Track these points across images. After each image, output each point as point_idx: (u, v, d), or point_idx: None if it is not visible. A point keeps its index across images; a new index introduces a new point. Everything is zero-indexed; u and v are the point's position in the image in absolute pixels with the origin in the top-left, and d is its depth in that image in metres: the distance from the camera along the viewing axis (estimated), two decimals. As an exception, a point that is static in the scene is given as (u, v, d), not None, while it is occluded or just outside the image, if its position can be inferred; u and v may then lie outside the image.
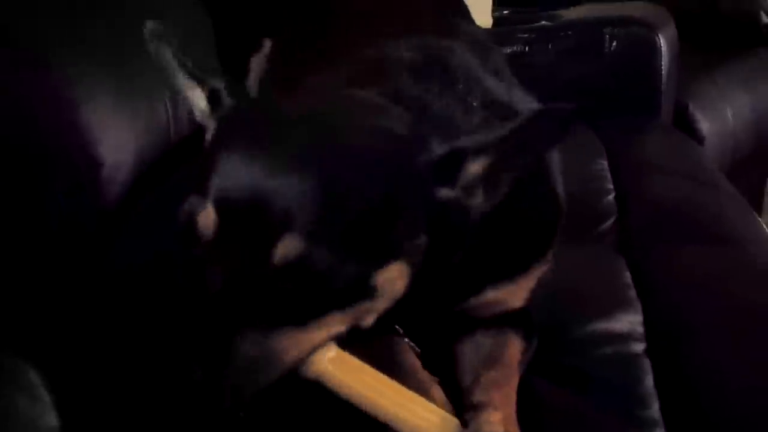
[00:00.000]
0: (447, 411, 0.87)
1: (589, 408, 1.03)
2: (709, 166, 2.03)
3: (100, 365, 1.03)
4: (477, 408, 0.88)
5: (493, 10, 2.45)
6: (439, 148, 0.82)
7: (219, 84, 0.93)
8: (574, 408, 1.02)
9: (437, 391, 0.93)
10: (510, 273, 1.04)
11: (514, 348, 1.02)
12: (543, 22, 2.33)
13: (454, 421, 0.85)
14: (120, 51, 1.54)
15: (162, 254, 1.18)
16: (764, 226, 1.64)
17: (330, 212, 0.75)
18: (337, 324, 0.80)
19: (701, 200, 1.70)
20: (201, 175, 0.80)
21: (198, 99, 0.96)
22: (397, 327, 0.99)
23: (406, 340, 0.99)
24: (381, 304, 0.82)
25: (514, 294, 1.06)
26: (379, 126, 0.84)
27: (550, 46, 2.21)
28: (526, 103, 1.10)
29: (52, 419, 0.73)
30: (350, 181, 0.77)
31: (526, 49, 2.22)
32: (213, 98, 0.94)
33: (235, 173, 0.77)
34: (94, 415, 0.93)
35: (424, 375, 0.95)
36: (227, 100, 0.92)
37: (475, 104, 0.99)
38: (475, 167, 0.82)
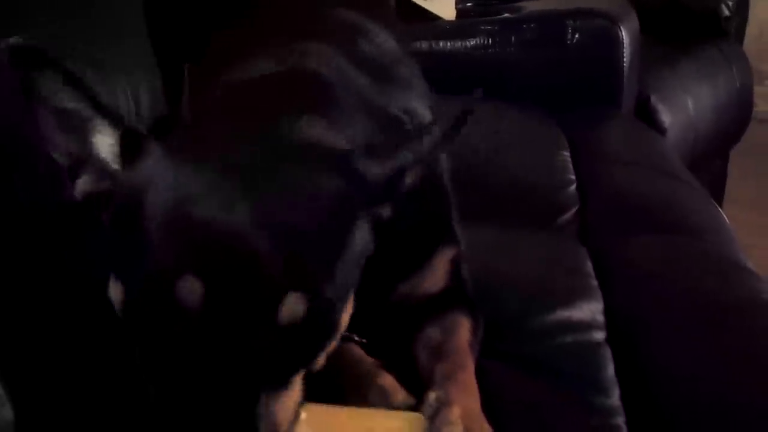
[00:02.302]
0: (401, 394, 0.88)
1: (549, 396, 1.04)
2: (671, 156, 2.05)
3: (55, 360, 1.02)
4: (434, 404, 0.87)
5: (457, 3, 2.46)
6: (377, 176, 0.79)
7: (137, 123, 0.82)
8: (535, 397, 1.02)
9: (386, 377, 0.92)
10: (415, 263, 1.04)
11: (463, 329, 1.02)
12: (506, 15, 2.33)
13: (418, 418, 0.85)
14: (79, 40, 1.52)
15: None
16: (724, 217, 1.66)
17: (323, 262, 0.72)
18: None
19: (662, 191, 1.72)
20: (156, 236, 0.71)
21: (106, 144, 0.79)
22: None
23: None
24: (335, 341, 0.79)
25: (429, 281, 1.06)
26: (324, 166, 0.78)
27: (513, 39, 2.21)
28: (423, 106, 1.12)
29: (6, 413, 0.73)
30: (322, 228, 0.74)
31: (489, 41, 2.22)
32: (130, 143, 0.78)
33: (210, 229, 0.70)
34: (48, 409, 0.93)
35: (368, 362, 0.95)
36: (151, 145, 0.78)
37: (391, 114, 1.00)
38: (408, 180, 0.82)
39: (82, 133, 0.78)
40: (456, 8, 2.45)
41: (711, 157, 2.92)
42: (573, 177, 1.76)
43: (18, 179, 1.34)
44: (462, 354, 0.99)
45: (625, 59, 2.17)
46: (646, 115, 2.45)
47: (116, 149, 0.78)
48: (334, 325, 0.76)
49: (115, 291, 0.75)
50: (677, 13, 3.04)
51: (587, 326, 1.19)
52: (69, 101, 0.77)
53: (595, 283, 1.30)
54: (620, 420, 1.03)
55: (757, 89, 3.15)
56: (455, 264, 1.08)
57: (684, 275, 1.31)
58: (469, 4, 2.50)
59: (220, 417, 0.68)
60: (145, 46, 1.76)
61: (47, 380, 0.98)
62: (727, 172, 3.19)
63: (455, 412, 0.85)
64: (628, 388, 1.08)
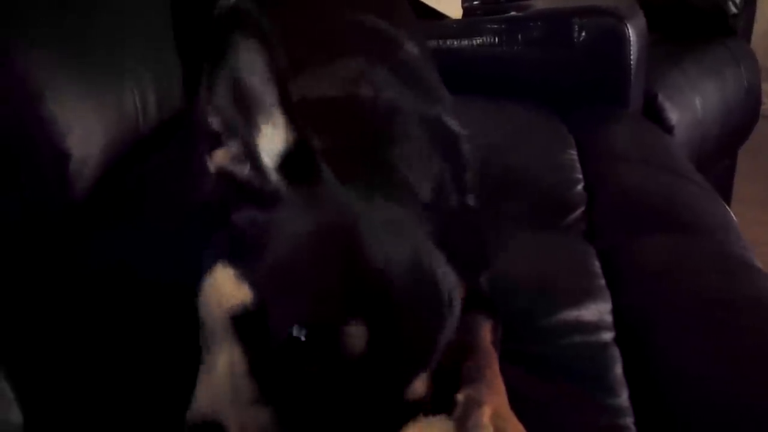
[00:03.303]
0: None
1: (557, 396, 1.04)
2: (678, 155, 2.05)
3: (65, 363, 1.02)
4: (464, 405, 0.87)
5: (463, 1, 2.45)
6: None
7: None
8: (543, 397, 1.02)
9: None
10: None
11: (485, 329, 1.02)
12: (512, 13, 2.33)
13: (446, 423, 0.84)
14: (86, 41, 1.52)
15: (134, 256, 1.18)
16: (732, 215, 1.65)
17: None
18: None
19: (670, 190, 1.71)
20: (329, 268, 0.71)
21: (274, 143, 0.76)
22: None
23: None
24: None
25: None
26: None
27: (519, 37, 2.21)
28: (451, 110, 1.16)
29: (15, 416, 0.73)
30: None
31: (496, 39, 2.22)
32: (299, 155, 0.75)
33: (377, 277, 0.70)
34: (57, 412, 0.93)
35: None
36: (325, 171, 0.76)
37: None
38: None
39: (251, 116, 0.76)
40: (462, 7, 2.45)
41: (719, 156, 2.91)
42: (580, 176, 1.76)
43: (25, 179, 1.34)
44: (487, 354, 0.99)
45: (632, 57, 2.17)
46: (654, 114, 2.44)
47: (280, 150, 0.76)
48: None
49: (235, 290, 0.73)
50: (684, 11, 3.03)
51: (595, 326, 1.18)
52: (258, 79, 0.73)
53: (602, 282, 1.29)
54: (629, 420, 1.03)
55: (765, 87, 3.15)
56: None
57: (692, 275, 1.30)
58: (475, 2, 2.50)
59: None
60: (152, 47, 1.77)
61: (56, 383, 0.98)
62: (735, 170, 3.18)
63: (486, 413, 0.86)
64: (637, 388, 1.08)
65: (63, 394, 0.96)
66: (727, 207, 1.73)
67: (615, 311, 1.22)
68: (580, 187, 1.71)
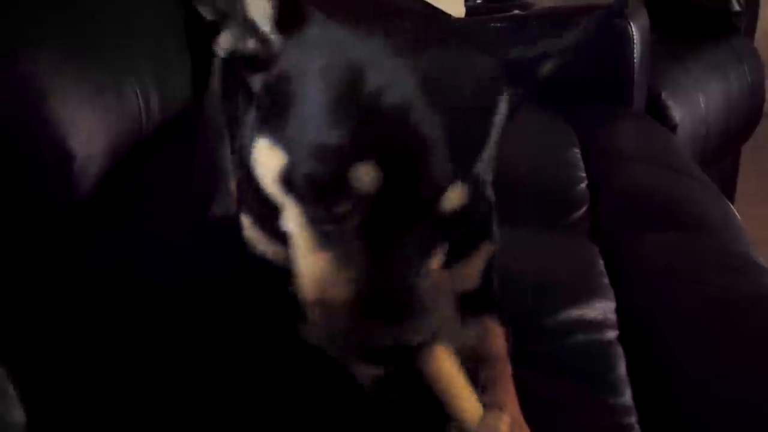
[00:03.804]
0: None
1: (561, 395, 1.03)
2: (682, 153, 2.04)
3: (67, 362, 1.02)
4: (486, 409, 0.88)
5: (465, 0, 2.45)
6: (521, 57, 0.84)
7: None
8: (547, 395, 1.02)
9: None
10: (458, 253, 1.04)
11: (498, 336, 1.02)
12: (515, 11, 2.33)
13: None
14: (89, 42, 1.52)
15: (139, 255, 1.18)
16: (736, 213, 1.65)
17: (479, 141, 0.76)
18: None
19: (673, 188, 1.71)
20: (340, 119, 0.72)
21: (260, 5, 0.79)
22: None
23: None
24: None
25: (467, 273, 1.05)
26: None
27: (522, 36, 2.21)
28: None
29: (18, 415, 0.73)
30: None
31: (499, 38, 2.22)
32: (287, 8, 0.78)
33: (385, 112, 0.71)
34: (61, 411, 0.93)
35: None
36: (313, 12, 0.78)
37: None
38: (545, 69, 0.87)
39: None
40: (465, 6, 2.45)
41: (722, 154, 2.91)
42: (584, 174, 1.76)
43: (29, 179, 1.35)
44: (501, 361, 0.99)
45: (635, 55, 2.17)
46: (657, 112, 2.44)
47: (269, 12, 0.78)
48: (487, 201, 0.80)
49: (269, 157, 0.76)
50: (688, 9, 3.03)
51: (599, 325, 1.18)
52: None
53: (606, 281, 1.29)
54: (633, 419, 1.03)
55: (769, 85, 3.14)
56: (489, 263, 1.07)
57: (695, 273, 1.30)
58: (478, 2, 2.50)
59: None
60: (155, 48, 1.77)
61: (60, 382, 0.98)
62: (739, 168, 3.18)
63: (506, 421, 0.86)
64: (641, 386, 1.07)
65: (67, 393, 0.96)
66: (730, 205, 1.73)
67: (619, 309, 1.22)
68: (583, 185, 1.71)
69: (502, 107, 0.80)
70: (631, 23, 2.16)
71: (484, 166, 0.77)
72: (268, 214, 0.85)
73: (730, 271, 1.32)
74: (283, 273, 0.89)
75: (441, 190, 0.72)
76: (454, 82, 0.75)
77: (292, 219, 0.77)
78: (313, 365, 0.96)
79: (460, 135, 0.74)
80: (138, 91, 1.65)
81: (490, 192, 0.85)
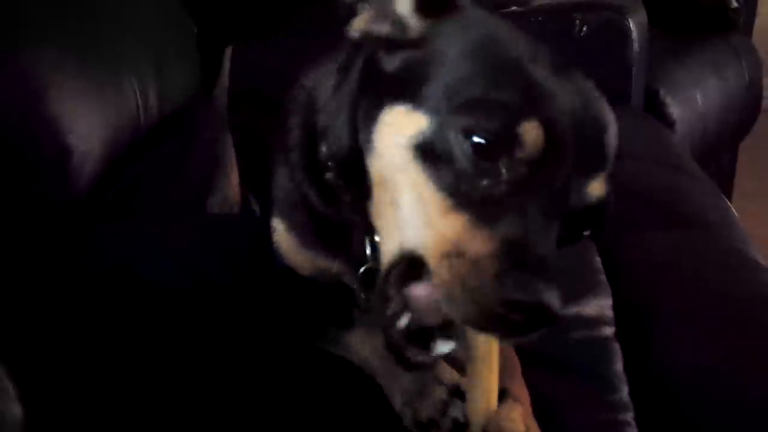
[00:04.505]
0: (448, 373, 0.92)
1: (559, 391, 1.04)
2: (680, 150, 2.05)
3: (64, 357, 1.02)
4: (500, 395, 0.89)
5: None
6: None
7: None
8: (544, 392, 1.02)
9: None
10: None
11: None
12: (513, 7, 2.32)
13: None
14: (88, 38, 1.52)
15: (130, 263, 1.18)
16: (733, 210, 1.65)
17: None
18: None
19: (671, 185, 1.71)
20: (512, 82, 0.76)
21: None
22: None
23: None
24: None
25: None
26: None
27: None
28: None
29: (16, 410, 0.73)
30: None
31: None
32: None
33: (562, 95, 0.76)
34: (57, 406, 0.93)
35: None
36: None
37: None
38: None
39: None
40: (463, 2, 2.44)
41: (720, 150, 2.90)
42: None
43: (28, 175, 1.35)
44: (512, 357, 1.01)
45: (633, 52, 2.16)
46: (655, 109, 2.44)
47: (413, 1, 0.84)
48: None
49: (406, 120, 0.78)
50: (685, 6, 3.02)
51: (596, 321, 1.19)
52: None
53: (604, 278, 1.29)
54: (629, 415, 1.03)
55: (766, 81, 3.13)
56: None
57: (693, 270, 1.30)
58: (476, -2, 2.49)
59: None
60: (154, 44, 1.77)
61: (57, 377, 0.98)
62: (736, 164, 3.18)
63: (519, 410, 0.87)
64: (637, 382, 1.08)
65: (64, 388, 0.97)
66: (727, 202, 1.73)
67: (616, 306, 1.22)
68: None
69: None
70: (630, 20, 2.15)
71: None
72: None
73: (727, 268, 1.32)
74: (311, 284, 0.88)
75: (585, 173, 0.76)
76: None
77: (419, 187, 0.77)
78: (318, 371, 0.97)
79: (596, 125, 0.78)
80: (136, 88, 1.66)
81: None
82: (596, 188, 0.76)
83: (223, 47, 1.60)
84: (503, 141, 0.72)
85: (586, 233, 0.82)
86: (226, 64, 1.56)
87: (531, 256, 0.71)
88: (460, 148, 0.74)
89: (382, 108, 0.81)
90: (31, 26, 1.39)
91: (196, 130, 1.68)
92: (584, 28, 2.17)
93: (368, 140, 0.83)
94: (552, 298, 0.70)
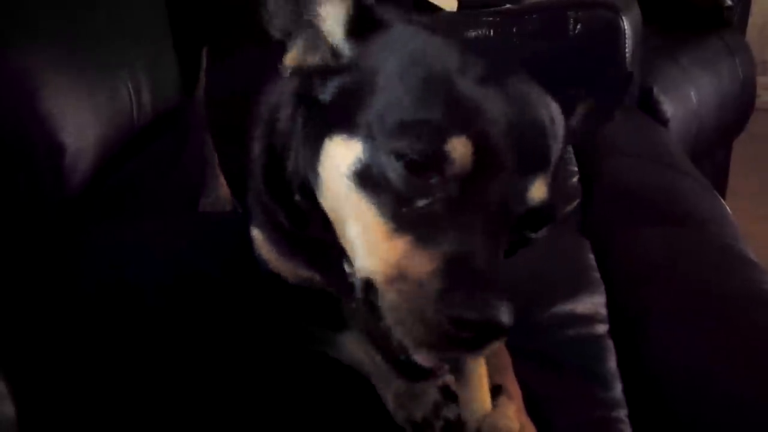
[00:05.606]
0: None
1: (552, 389, 1.04)
2: (673, 148, 2.05)
3: (57, 356, 1.02)
4: (494, 392, 0.90)
5: (459, -7, 2.45)
6: None
7: None
8: (538, 389, 1.02)
9: None
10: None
11: None
12: (508, 6, 2.33)
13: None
14: (81, 37, 1.52)
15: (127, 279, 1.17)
16: (727, 208, 1.65)
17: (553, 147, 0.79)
18: None
19: (665, 182, 1.71)
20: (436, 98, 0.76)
21: (332, 14, 0.84)
22: None
23: None
24: None
25: None
26: None
27: (514, 30, 2.21)
28: None
29: (8, 409, 0.73)
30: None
31: (491, 32, 2.21)
32: (362, 15, 0.83)
33: (491, 105, 0.75)
34: (50, 405, 0.93)
35: None
36: (389, 16, 0.84)
37: None
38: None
39: (308, 2, 0.83)
40: (458, -1, 2.45)
41: (714, 148, 2.91)
42: (575, 169, 1.76)
43: (20, 173, 1.34)
44: (504, 354, 1.01)
45: (627, 50, 2.17)
46: (649, 106, 2.44)
47: (343, 18, 0.83)
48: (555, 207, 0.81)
49: (344, 150, 0.78)
50: (680, 4, 3.02)
51: (590, 319, 1.19)
52: None
53: (597, 275, 1.30)
54: (622, 413, 1.03)
55: (761, 79, 3.14)
56: None
57: (686, 267, 1.30)
58: (471, -5, 2.49)
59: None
60: (147, 43, 1.77)
61: (49, 376, 0.98)
62: (730, 162, 3.18)
63: (512, 408, 0.87)
64: (631, 380, 1.08)
65: (56, 387, 0.97)
66: (721, 199, 1.73)
67: (609, 304, 1.22)
68: (574, 179, 1.71)
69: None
70: (623, 18, 2.15)
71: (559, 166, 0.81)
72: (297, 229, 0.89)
73: (721, 266, 1.32)
74: (294, 289, 0.88)
75: (524, 178, 0.75)
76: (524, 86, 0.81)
77: (361, 215, 0.77)
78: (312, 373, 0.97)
79: (533, 129, 0.77)
80: (130, 87, 1.65)
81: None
82: (537, 191, 0.76)
83: (201, 47, 1.59)
84: (433, 160, 0.72)
85: (534, 236, 0.81)
86: (204, 65, 1.55)
87: (475, 271, 0.71)
88: (393, 170, 0.74)
89: (323, 139, 0.81)
90: (23, 24, 1.39)
91: (190, 128, 1.68)
92: (578, 26, 2.17)
93: (315, 173, 0.83)
94: (498, 310, 0.70)
